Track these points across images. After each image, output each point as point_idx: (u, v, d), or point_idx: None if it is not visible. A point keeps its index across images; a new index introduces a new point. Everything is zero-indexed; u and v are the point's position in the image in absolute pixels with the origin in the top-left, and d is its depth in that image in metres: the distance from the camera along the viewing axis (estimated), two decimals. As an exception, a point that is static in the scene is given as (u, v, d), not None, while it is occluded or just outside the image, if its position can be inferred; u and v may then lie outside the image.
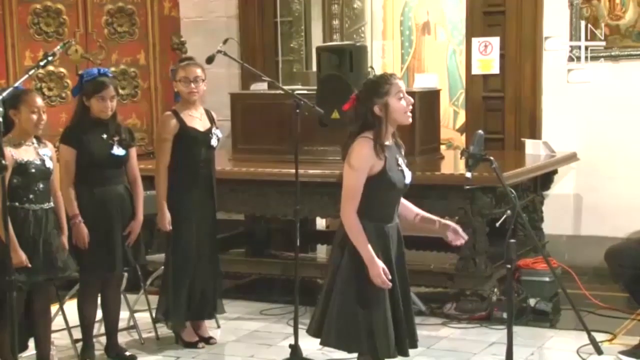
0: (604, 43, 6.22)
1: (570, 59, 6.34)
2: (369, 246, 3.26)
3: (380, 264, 3.25)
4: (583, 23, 6.24)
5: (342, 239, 3.34)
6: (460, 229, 3.49)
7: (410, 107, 3.33)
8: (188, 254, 4.77)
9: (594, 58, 6.26)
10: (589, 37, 6.27)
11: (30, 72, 4.01)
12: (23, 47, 6.18)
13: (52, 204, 4.18)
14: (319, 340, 3.47)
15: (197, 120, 4.77)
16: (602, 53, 6.27)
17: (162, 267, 4.95)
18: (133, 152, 4.60)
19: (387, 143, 3.32)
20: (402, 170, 3.36)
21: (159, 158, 4.75)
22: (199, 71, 4.72)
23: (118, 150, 4.48)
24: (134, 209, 4.58)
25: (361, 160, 3.27)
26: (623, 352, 4.45)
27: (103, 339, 4.75)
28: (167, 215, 4.69)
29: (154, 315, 4.95)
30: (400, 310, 3.35)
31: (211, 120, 4.85)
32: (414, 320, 3.48)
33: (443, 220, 3.54)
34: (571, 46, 6.34)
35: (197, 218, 4.77)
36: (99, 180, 4.45)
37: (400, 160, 3.38)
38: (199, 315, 4.89)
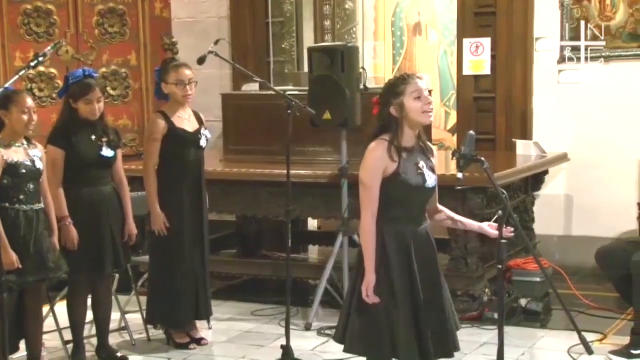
0: (604, 43, 6.24)
1: (570, 59, 6.35)
2: (374, 256, 3.24)
3: (374, 279, 3.22)
4: (583, 23, 6.25)
5: (359, 257, 3.32)
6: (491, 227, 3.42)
7: (431, 107, 3.28)
8: (181, 255, 4.75)
9: (593, 59, 6.27)
10: (589, 37, 6.27)
11: (21, 73, 3.99)
12: (13, 48, 6.17)
13: (42, 204, 4.16)
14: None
15: (185, 121, 4.76)
16: (592, 54, 6.28)
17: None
18: (119, 153, 4.59)
19: (408, 145, 3.28)
20: (421, 174, 3.29)
21: (147, 159, 4.73)
22: (190, 73, 4.71)
23: (107, 152, 4.47)
24: (124, 211, 4.56)
25: (372, 163, 3.24)
26: (613, 352, 4.47)
27: (94, 340, 4.73)
28: (162, 216, 4.68)
29: (145, 317, 4.93)
30: (422, 317, 3.28)
31: (199, 121, 4.85)
32: (448, 327, 3.37)
33: (479, 223, 3.51)
34: (564, 46, 6.35)
35: (188, 219, 4.76)
36: (87, 181, 4.43)
37: (422, 164, 3.30)
38: (193, 316, 4.87)
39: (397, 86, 3.29)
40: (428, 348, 3.29)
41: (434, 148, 3.44)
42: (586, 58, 6.24)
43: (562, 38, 6.41)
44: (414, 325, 3.27)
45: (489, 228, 3.43)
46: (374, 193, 3.24)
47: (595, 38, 6.28)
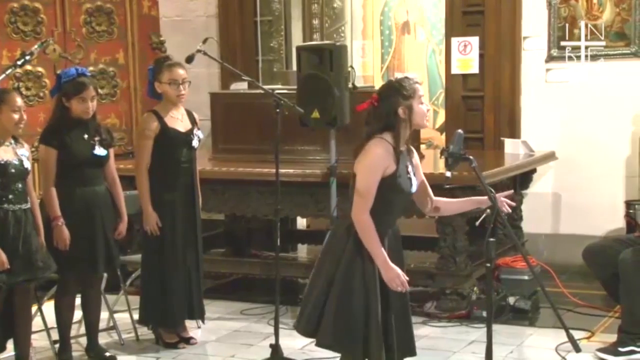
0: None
1: (558, 58, 6.37)
2: (382, 249, 3.24)
3: (396, 267, 3.23)
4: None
5: (342, 238, 3.30)
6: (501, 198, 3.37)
7: (429, 114, 3.34)
8: (174, 255, 4.73)
9: (579, 57, 6.28)
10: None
11: (8, 72, 3.98)
12: (0, 46, 6.13)
13: (29, 204, 4.14)
14: (303, 337, 3.46)
15: (178, 121, 4.74)
16: (578, 53, 6.30)
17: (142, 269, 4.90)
18: (111, 152, 4.57)
19: (402, 148, 3.30)
20: (410, 178, 3.33)
21: (139, 158, 4.71)
22: (184, 72, 4.69)
23: (99, 151, 4.45)
24: (117, 210, 4.54)
25: (377, 160, 3.24)
26: (601, 350, 4.49)
27: (82, 340, 4.72)
28: (154, 215, 4.67)
29: (137, 318, 4.91)
30: (391, 317, 3.32)
31: (192, 121, 4.83)
32: (411, 329, 3.44)
33: (481, 198, 3.49)
34: (564, 46, 6.35)
35: (180, 219, 4.75)
36: (80, 180, 4.41)
37: (410, 168, 3.35)
38: (187, 315, 4.86)
39: (406, 88, 3.30)
40: (393, 346, 3.32)
41: (413, 148, 3.47)
42: (586, 56, 6.23)
43: (550, 37, 6.43)
44: (382, 323, 3.29)
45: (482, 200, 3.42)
46: (374, 187, 3.23)
47: (580, 38, 6.30)
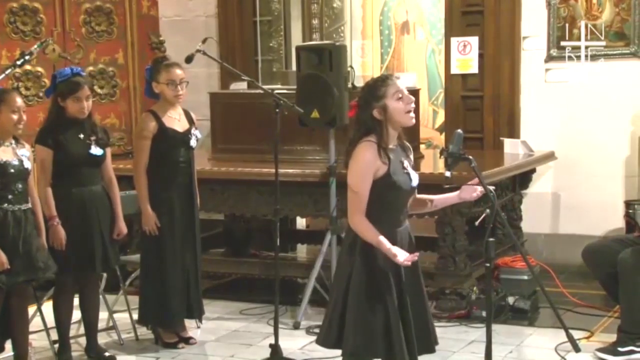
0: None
1: (557, 58, 6.37)
2: (382, 238, 3.21)
3: (398, 250, 3.20)
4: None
5: (350, 245, 3.31)
6: (471, 186, 3.40)
7: (412, 107, 3.29)
8: (172, 255, 4.73)
9: (579, 57, 6.28)
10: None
11: (7, 72, 3.98)
12: (-1, 46, 6.14)
13: (29, 204, 4.14)
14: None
15: (176, 121, 4.74)
16: (578, 53, 6.30)
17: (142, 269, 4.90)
18: (108, 152, 4.57)
19: (391, 146, 3.29)
20: (407, 173, 3.32)
21: (138, 158, 4.71)
22: (181, 72, 4.69)
23: (96, 150, 4.45)
24: (114, 210, 4.55)
25: (363, 167, 3.23)
26: (600, 350, 4.49)
27: (82, 340, 4.72)
28: (153, 216, 4.67)
29: (136, 318, 4.91)
30: (409, 315, 3.31)
31: (190, 120, 4.83)
32: (429, 325, 3.43)
33: (455, 193, 3.48)
34: (564, 46, 6.35)
35: (179, 218, 4.75)
36: (77, 180, 4.41)
37: (406, 163, 3.34)
38: (185, 315, 4.87)
39: (378, 88, 3.27)
40: (412, 344, 3.31)
41: (408, 144, 3.45)
42: (586, 56, 6.23)
43: (549, 37, 6.44)
44: (401, 325, 3.28)
45: (465, 193, 3.42)
46: (364, 197, 3.23)
47: (579, 38, 6.30)
